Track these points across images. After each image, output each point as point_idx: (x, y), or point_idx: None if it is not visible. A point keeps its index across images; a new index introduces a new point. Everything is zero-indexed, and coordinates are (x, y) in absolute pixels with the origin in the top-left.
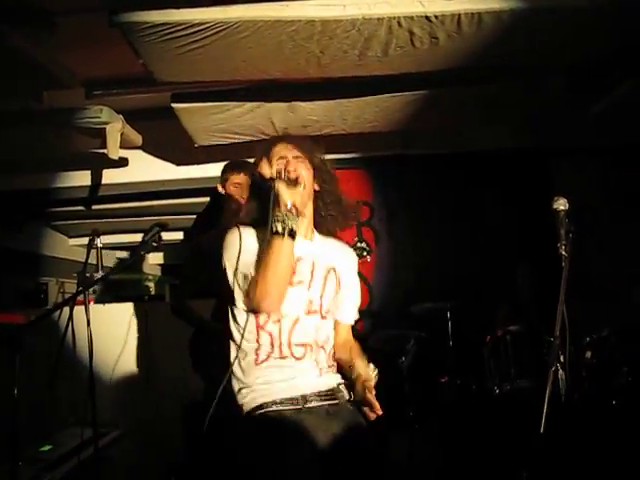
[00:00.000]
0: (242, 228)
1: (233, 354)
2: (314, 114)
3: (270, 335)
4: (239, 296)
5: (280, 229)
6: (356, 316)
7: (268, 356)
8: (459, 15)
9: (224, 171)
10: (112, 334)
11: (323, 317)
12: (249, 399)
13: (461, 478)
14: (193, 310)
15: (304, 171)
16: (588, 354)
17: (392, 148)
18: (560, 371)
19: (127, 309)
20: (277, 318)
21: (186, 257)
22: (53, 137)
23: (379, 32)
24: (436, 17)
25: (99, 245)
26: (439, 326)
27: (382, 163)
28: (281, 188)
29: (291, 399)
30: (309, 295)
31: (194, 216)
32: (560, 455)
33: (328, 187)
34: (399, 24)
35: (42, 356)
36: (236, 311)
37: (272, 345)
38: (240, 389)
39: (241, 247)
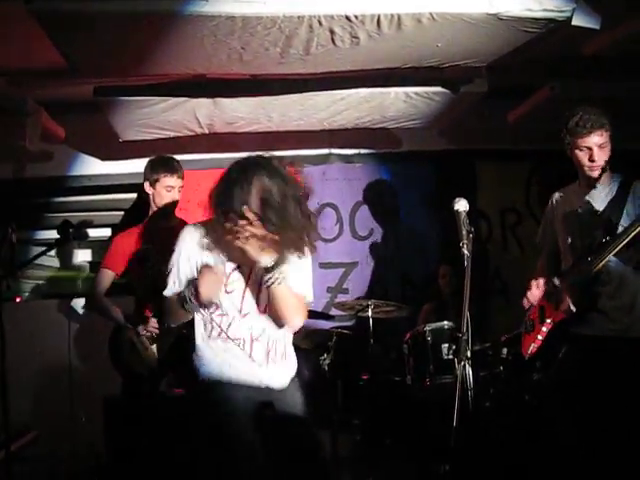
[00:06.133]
0: None
1: None
2: (239, 111)
3: None
4: None
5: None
6: None
7: None
8: (378, 16)
9: (153, 169)
10: (35, 331)
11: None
12: None
13: (384, 473)
14: (109, 306)
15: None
16: (504, 350)
17: (319, 146)
18: (467, 367)
19: (51, 306)
20: None
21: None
22: None
23: (300, 30)
24: (356, 17)
25: (14, 240)
26: (361, 323)
27: (308, 162)
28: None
29: None
30: None
31: (122, 212)
32: (477, 448)
33: None
34: (319, 23)
35: None
36: None
37: None
38: None
39: None
